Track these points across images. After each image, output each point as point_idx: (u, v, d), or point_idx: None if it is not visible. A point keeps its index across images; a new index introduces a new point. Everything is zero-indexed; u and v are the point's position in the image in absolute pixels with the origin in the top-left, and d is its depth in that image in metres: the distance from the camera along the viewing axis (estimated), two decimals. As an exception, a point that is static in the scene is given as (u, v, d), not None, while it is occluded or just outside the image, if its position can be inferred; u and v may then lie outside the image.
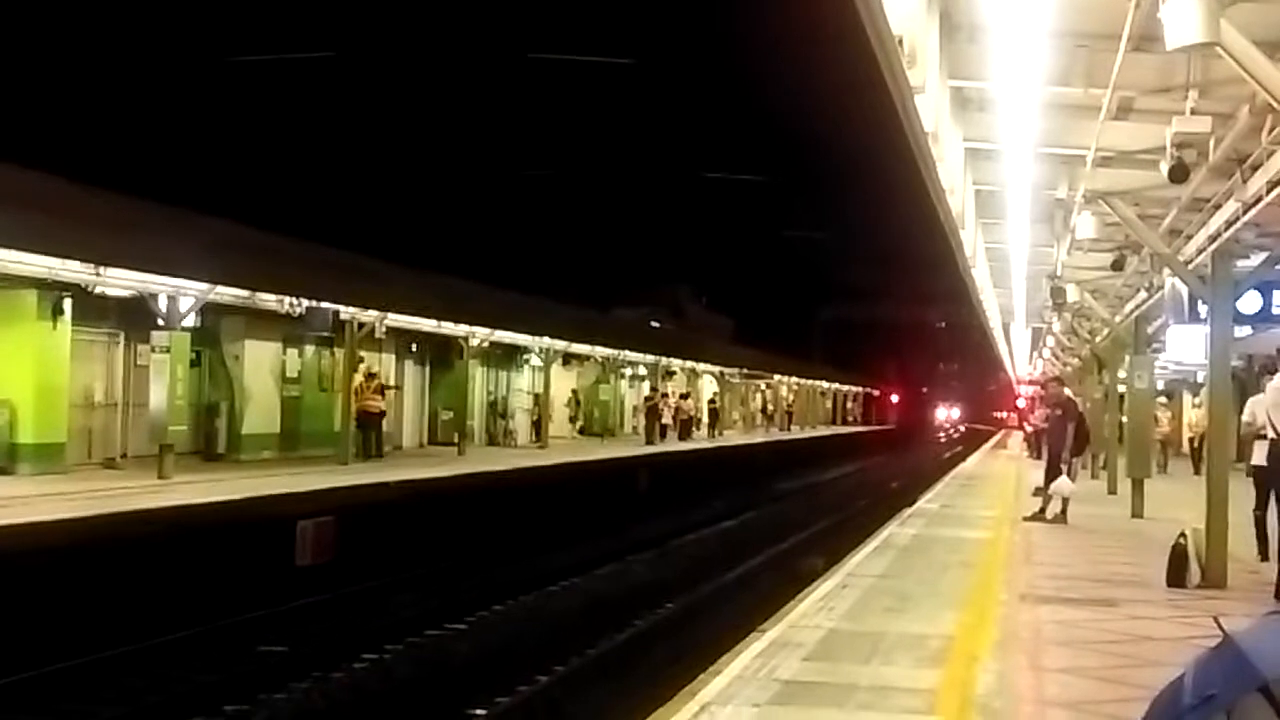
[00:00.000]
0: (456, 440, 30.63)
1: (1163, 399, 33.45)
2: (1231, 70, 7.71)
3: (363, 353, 26.95)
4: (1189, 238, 13.86)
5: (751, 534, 26.23)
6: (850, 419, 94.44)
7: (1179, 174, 9.96)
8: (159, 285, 19.20)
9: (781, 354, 64.58)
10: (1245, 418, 12.39)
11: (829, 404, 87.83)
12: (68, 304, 19.53)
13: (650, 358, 44.76)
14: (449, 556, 19.39)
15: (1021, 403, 60.23)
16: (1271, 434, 11.38)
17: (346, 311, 24.30)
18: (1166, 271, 15.42)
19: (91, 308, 20.27)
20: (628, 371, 47.04)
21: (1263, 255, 13.94)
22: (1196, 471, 25.59)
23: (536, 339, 34.88)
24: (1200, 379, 27.82)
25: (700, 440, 46.55)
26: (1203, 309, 14.16)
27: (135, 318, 20.80)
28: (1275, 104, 7.90)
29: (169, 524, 15.01)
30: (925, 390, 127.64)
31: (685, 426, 46.13)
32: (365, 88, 49.07)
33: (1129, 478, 19.37)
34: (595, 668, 13.34)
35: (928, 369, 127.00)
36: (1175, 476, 27.15)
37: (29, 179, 15.97)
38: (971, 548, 15.06)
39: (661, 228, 70.83)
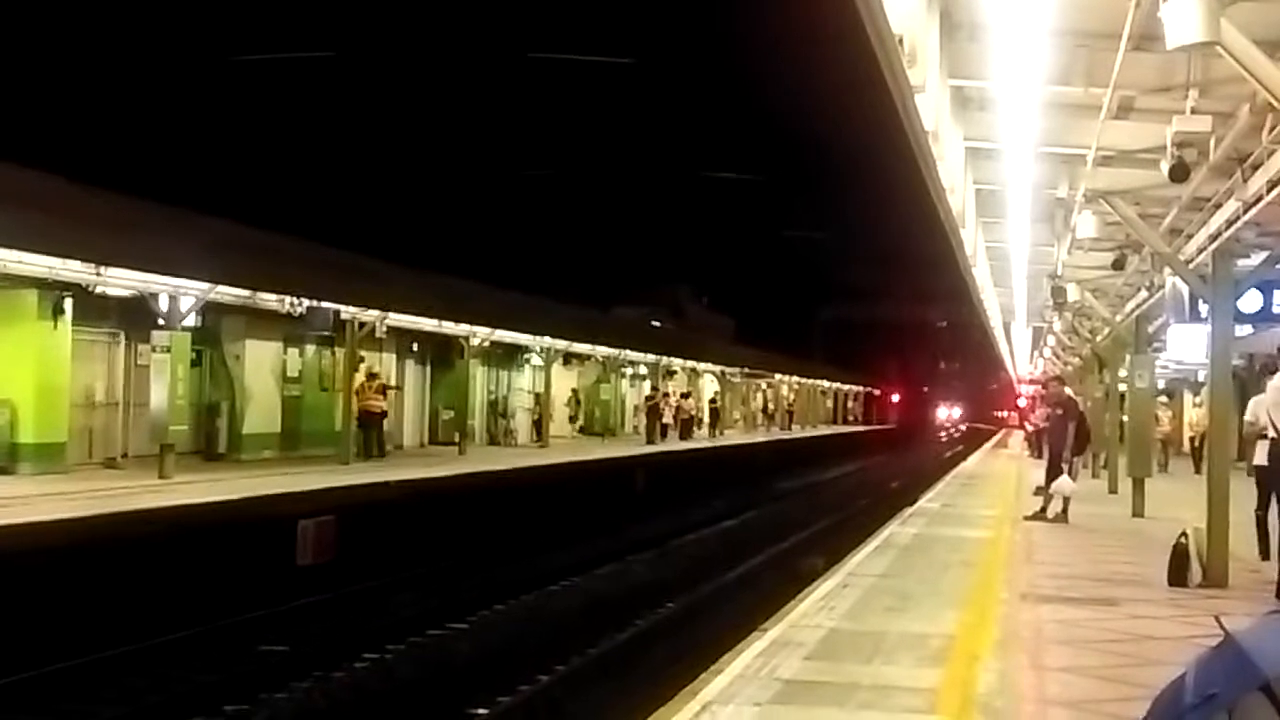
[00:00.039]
0: (457, 440, 30.64)
1: (1163, 398, 33.46)
2: (1232, 69, 7.71)
3: (363, 352, 26.94)
4: (1189, 237, 13.86)
5: (752, 533, 26.24)
6: (851, 418, 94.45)
7: (1179, 173, 9.96)
8: (159, 285, 19.20)
9: (782, 353, 64.59)
10: (1248, 417, 12.38)
11: (830, 403, 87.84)
12: (68, 304, 19.53)
13: (651, 357, 44.76)
14: (450, 556, 19.39)
15: (1022, 402, 60.28)
16: (1272, 433, 11.38)
17: (347, 311, 24.30)
18: (1167, 271, 15.42)
19: (92, 307, 20.27)
20: (628, 371, 47.05)
21: (1263, 254, 13.94)
22: (1197, 471, 25.59)
23: (537, 338, 34.88)
24: (1201, 378, 27.82)
25: (701, 440, 46.55)
26: (1203, 308, 14.16)
27: (136, 317, 20.80)
28: (1276, 103, 7.89)
29: (170, 524, 15.01)
30: (926, 390, 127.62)
31: (686, 426, 46.12)
32: (366, 87, 49.09)
33: (1130, 477, 19.37)
34: (596, 667, 13.34)
35: (928, 368, 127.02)
36: (1176, 476, 27.15)
37: (29, 178, 15.97)
38: (972, 547, 15.05)
39: (662, 227, 70.90)
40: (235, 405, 25.09)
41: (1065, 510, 17.68)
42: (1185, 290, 15.07)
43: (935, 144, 10.75)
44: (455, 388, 33.03)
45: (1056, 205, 14.46)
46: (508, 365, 38.30)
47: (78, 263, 17.73)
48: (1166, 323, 20.17)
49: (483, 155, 57.06)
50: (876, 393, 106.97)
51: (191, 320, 20.21)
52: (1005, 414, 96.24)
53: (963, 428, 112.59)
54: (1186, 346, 22.52)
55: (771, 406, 66.88)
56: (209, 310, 21.46)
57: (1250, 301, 15.16)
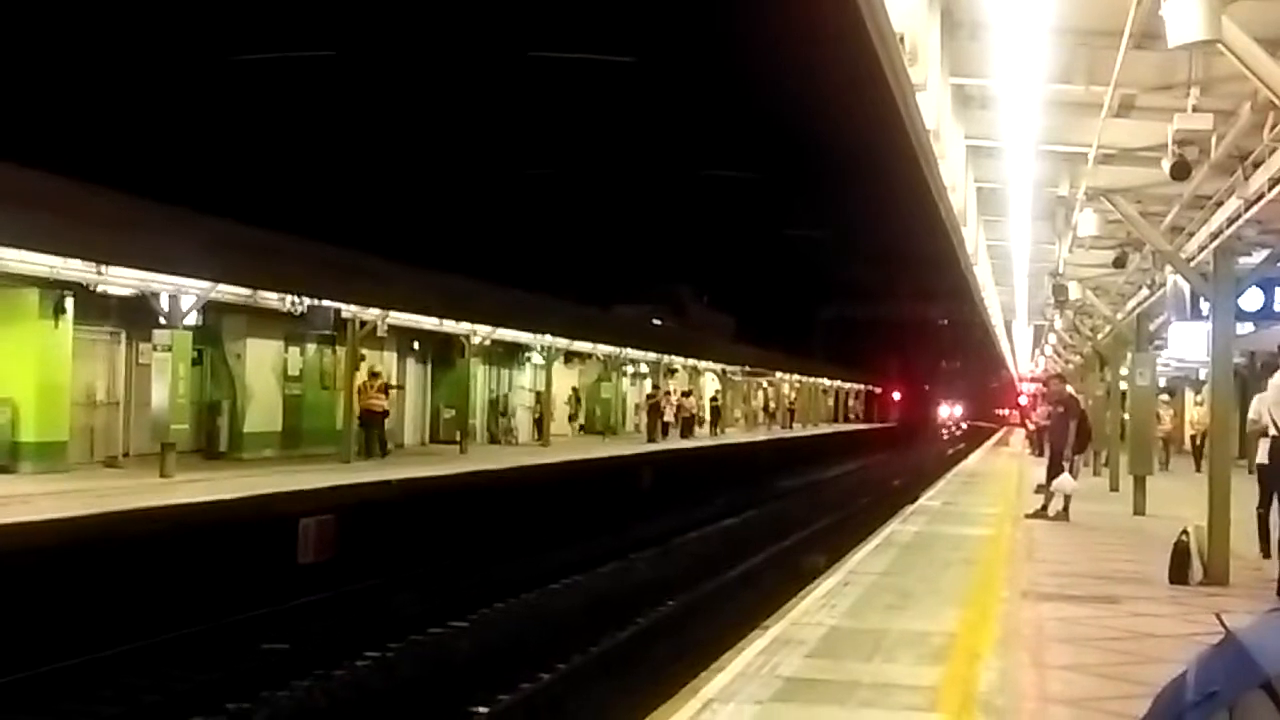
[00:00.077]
0: (458, 438, 30.64)
1: (1165, 396, 33.46)
2: (1233, 67, 7.71)
3: (364, 351, 26.95)
4: (1191, 235, 13.86)
5: (753, 532, 26.24)
6: (852, 416, 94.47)
7: (1181, 171, 9.96)
8: (161, 284, 19.20)
9: (783, 352, 64.60)
10: (1251, 415, 12.38)
11: (831, 402, 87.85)
12: (69, 303, 19.54)
13: (652, 355, 44.76)
14: (451, 554, 19.40)
15: (1023, 400, 60.27)
16: (1274, 431, 11.38)
17: (348, 310, 24.30)
18: (1168, 269, 15.42)
19: (93, 306, 20.28)
20: (630, 369, 47.06)
21: (1265, 252, 13.93)
22: (1198, 468, 25.60)
23: (538, 337, 34.88)
24: (1202, 376, 27.83)
25: (702, 438, 46.56)
26: (1204, 306, 14.16)
27: (137, 316, 20.81)
28: (1277, 101, 7.89)
29: (171, 522, 15.01)
30: (927, 388, 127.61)
31: (687, 424, 46.13)
32: (366, 87, 49.09)
33: (1131, 475, 19.37)
34: (598, 665, 13.34)
35: (929, 367, 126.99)
36: (1177, 473, 27.16)
37: (30, 178, 15.98)
38: (973, 545, 15.05)
39: (663, 226, 70.90)
40: (236, 404, 25.11)
41: (1066, 508, 17.68)
42: (1186, 288, 15.07)
43: (936, 142, 10.74)
44: (456, 386, 33.04)
45: (1058, 203, 14.46)
46: (509, 364, 38.31)
47: (79, 262, 17.74)
48: (1168, 321, 20.18)
49: (484, 154, 57.09)
50: (878, 391, 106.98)
51: (193, 319, 20.22)
52: (1006, 412, 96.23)
53: (964, 426, 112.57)
54: (1188, 344, 22.54)
55: (773, 405, 66.87)
56: (210, 309, 21.47)
57: (1251, 299, 15.17)
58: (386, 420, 27.39)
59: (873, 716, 6.74)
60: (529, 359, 38.68)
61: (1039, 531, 16.44)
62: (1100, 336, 26.67)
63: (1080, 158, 12.05)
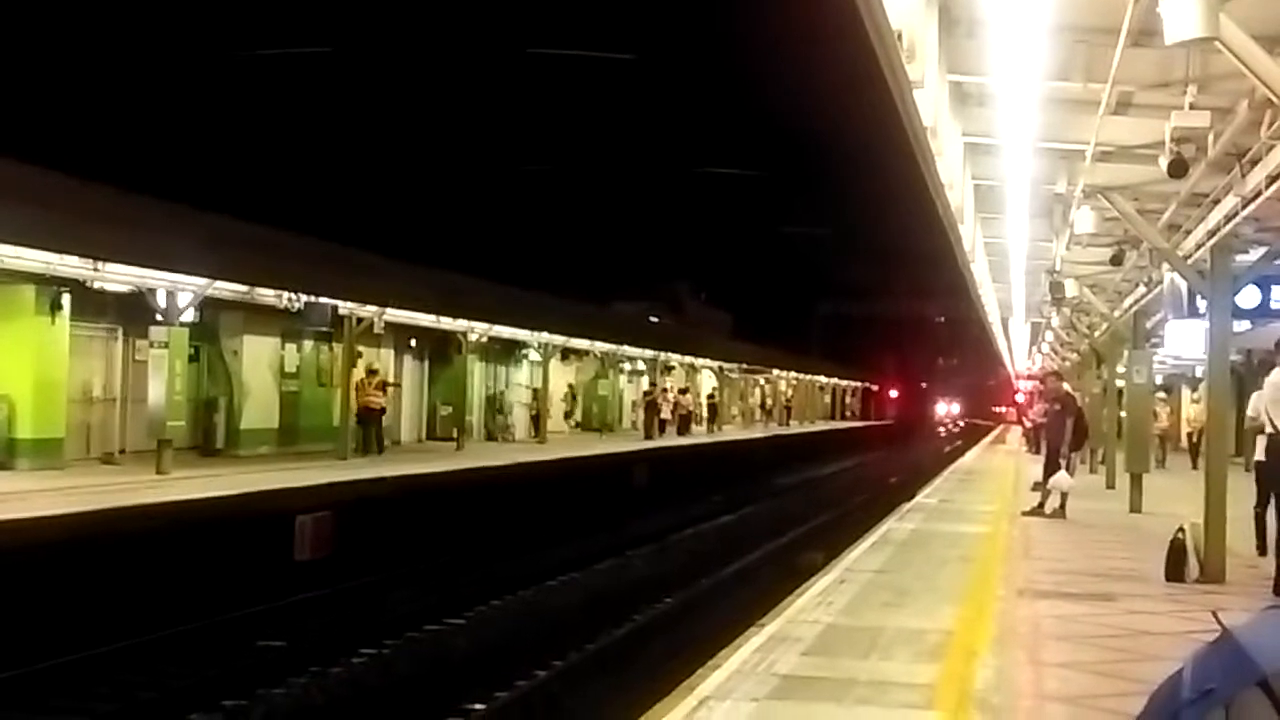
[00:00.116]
0: (455, 435, 30.63)
1: (1161, 394, 33.48)
2: (1230, 65, 7.71)
3: (361, 347, 26.94)
4: (1188, 233, 13.87)
5: (750, 529, 26.25)
6: (849, 414, 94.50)
7: (1178, 169, 9.96)
8: (157, 280, 19.18)
9: (780, 349, 64.61)
10: (1250, 412, 12.38)
11: (828, 399, 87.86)
12: (66, 299, 19.52)
13: (649, 353, 44.77)
14: (448, 551, 19.39)
15: (1020, 398, 60.29)
16: (1270, 429, 11.38)
17: (345, 306, 24.29)
18: (1165, 266, 15.42)
19: (90, 303, 20.26)
20: (626, 366, 47.06)
21: (1262, 250, 13.93)
22: (1195, 466, 25.63)
23: (535, 334, 34.87)
24: (1199, 374, 27.85)
25: (699, 435, 46.56)
26: (1201, 304, 14.16)
27: (134, 313, 20.78)
28: (1274, 99, 7.89)
29: (168, 519, 15.00)
30: (924, 385, 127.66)
31: (684, 421, 46.13)
32: (364, 83, 49.06)
33: (1127, 472, 19.39)
34: (594, 662, 13.34)
35: (926, 364, 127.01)
36: (1174, 471, 27.17)
37: (28, 174, 15.96)
38: (970, 543, 15.06)
39: (661, 223, 70.88)
40: (233, 401, 25.10)
41: (1063, 506, 17.68)
42: (1183, 286, 15.07)
43: (934, 139, 10.75)
44: (453, 383, 33.03)
45: (1055, 200, 14.45)
46: (506, 361, 38.30)
47: (75, 258, 17.71)
48: (1164, 318, 20.18)
49: (483, 150, 57.07)
50: (874, 388, 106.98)
51: (189, 316, 20.19)
52: (1003, 409, 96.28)
53: (961, 423, 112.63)
54: (1184, 342, 22.57)
55: (769, 402, 66.89)
56: (207, 306, 21.45)
57: (1248, 297, 15.15)
58: (384, 417, 27.39)
59: (869, 714, 6.73)
60: (526, 356, 38.67)
61: (1035, 529, 16.45)
62: (1097, 334, 26.68)
63: (1078, 155, 12.05)
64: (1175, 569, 11.61)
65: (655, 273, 64.94)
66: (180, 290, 19.50)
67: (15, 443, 19.04)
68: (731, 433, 51.24)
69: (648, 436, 40.43)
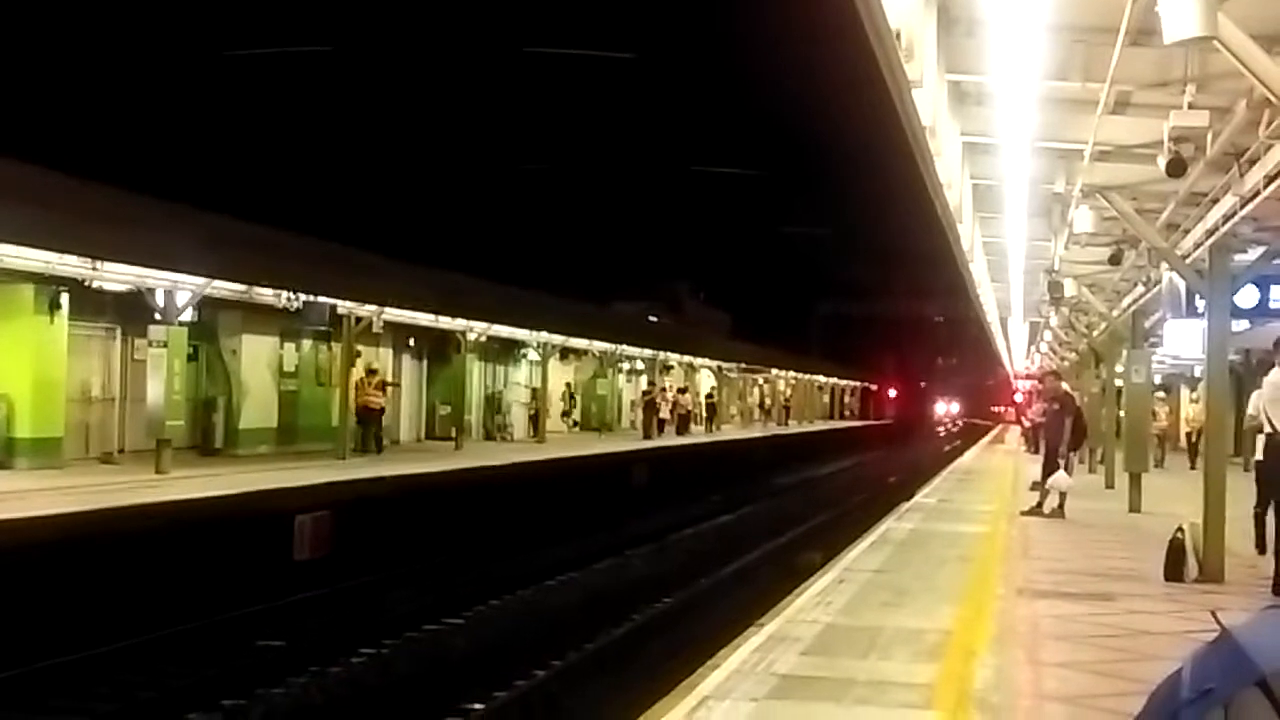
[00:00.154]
0: (454, 435, 30.63)
1: (1160, 393, 33.48)
2: (1229, 64, 7.71)
3: (360, 347, 26.93)
4: (1186, 232, 13.86)
5: (749, 529, 26.25)
6: (848, 413, 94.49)
7: (1176, 168, 9.95)
8: (156, 280, 19.17)
9: (779, 349, 64.61)
10: (1250, 411, 12.38)
11: (826, 399, 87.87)
12: (65, 298, 19.51)
13: (648, 352, 44.76)
14: (447, 551, 19.39)
15: (1019, 397, 60.31)
16: (1269, 429, 11.39)
17: (344, 305, 24.28)
18: (1164, 266, 15.42)
19: (89, 302, 20.25)
20: (625, 366, 47.04)
21: (1260, 250, 13.94)
22: (1193, 466, 25.63)
23: (534, 334, 34.87)
24: (1198, 373, 27.85)
25: (698, 435, 46.55)
26: (1200, 303, 14.16)
27: (132, 312, 20.77)
28: (1273, 98, 7.90)
29: (167, 519, 15.00)
30: (923, 385, 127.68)
31: (683, 421, 46.12)
32: (363, 82, 49.06)
33: (1126, 472, 19.39)
34: (593, 662, 13.34)
35: (925, 364, 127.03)
36: (1172, 471, 27.18)
37: (27, 173, 15.95)
38: (969, 542, 15.06)
39: (660, 223, 70.91)
40: (232, 400, 25.09)
41: (1062, 505, 17.69)
42: (1182, 285, 15.07)
43: (932, 139, 10.75)
44: (452, 383, 33.02)
45: (1053, 200, 14.45)
46: (504, 360, 38.29)
47: (74, 257, 17.70)
48: (1163, 318, 20.19)
49: (483, 149, 57.07)
50: (873, 388, 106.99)
51: (188, 315, 20.18)
52: (1002, 409, 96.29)
53: (959, 423, 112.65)
54: (1183, 342, 22.59)
55: (768, 402, 66.90)
56: (206, 305, 21.44)
57: (1247, 297, 15.17)
58: (383, 417, 27.38)
59: (868, 714, 6.73)
60: (525, 355, 38.66)
61: (1034, 529, 16.45)
62: (1096, 333, 26.68)
63: (1076, 154, 12.05)
64: (1174, 569, 11.62)
65: (654, 272, 64.97)
66: (179, 290, 19.49)
67: (14, 442, 19.03)
68: (730, 432, 51.23)
69: (646, 436, 40.42)
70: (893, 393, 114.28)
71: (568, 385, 43.07)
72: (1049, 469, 18.10)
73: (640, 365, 46.58)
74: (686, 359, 50.68)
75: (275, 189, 39.38)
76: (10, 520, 13.04)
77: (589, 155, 61.94)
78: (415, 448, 30.76)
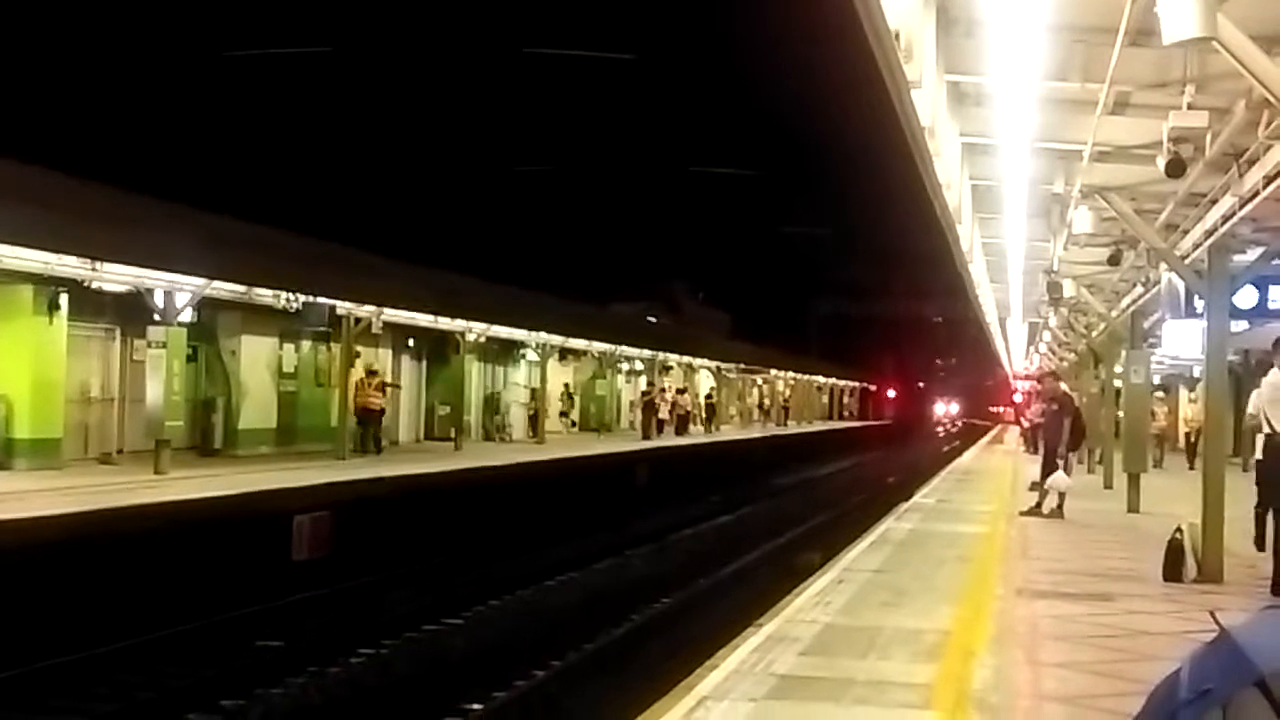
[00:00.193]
0: (453, 435, 30.63)
1: (1159, 394, 33.48)
2: (1228, 65, 7.71)
3: (360, 348, 26.93)
4: (1185, 233, 13.87)
5: (748, 529, 26.26)
6: (847, 414, 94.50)
7: (1175, 169, 9.96)
8: (155, 280, 19.17)
9: (778, 349, 64.61)
10: (1250, 409, 12.38)
11: (825, 399, 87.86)
12: (64, 299, 19.50)
13: (647, 353, 44.77)
14: (446, 552, 19.39)
15: (1018, 398, 60.31)
16: (1267, 429, 11.39)
17: (343, 306, 24.28)
18: (1163, 266, 15.42)
19: (88, 303, 20.25)
20: (624, 366, 47.03)
21: (1259, 250, 13.95)
22: (1192, 466, 25.64)
23: (533, 334, 34.87)
24: (1197, 374, 27.86)
25: (697, 435, 46.56)
26: (1199, 304, 14.16)
27: (131, 313, 20.77)
28: (1272, 99, 7.90)
29: (166, 519, 15.00)
30: (922, 385, 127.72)
31: (682, 422, 46.12)
32: (363, 83, 49.06)
33: (1125, 472, 19.39)
34: (593, 662, 13.34)
35: (924, 364, 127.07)
36: (1171, 471, 27.18)
37: (26, 174, 15.94)
38: (968, 542, 15.07)
39: (659, 223, 70.91)
40: (231, 401, 25.09)
41: (1060, 505, 17.70)
42: (1181, 286, 15.07)
43: (931, 139, 10.75)
44: (451, 383, 33.02)
45: (1052, 201, 14.46)
46: (504, 361, 38.29)
47: (73, 258, 17.70)
48: (1162, 318, 20.19)
49: (482, 150, 57.07)
50: (872, 388, 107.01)
51: (187, 316, 20.18)
52: (1001, 410, 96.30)
53: (959, 423, 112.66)
54: (1182, 342, 22.61)
55: (767, 402, 66.89)
56: (205, 306, 21.44)
57: (1246, 297, 15.18)
58: (383, 417, 27.39)
59: (867, 714, 6.74)
60: (524, 356, 38.66)
61: (1033, 529, 16.46)
62: (1095, 334, 26.68)
63: (1075, 155, 12.05)
64: (1173, 569, 11.62)
65: (653, 273, 64.98)
66: (178, 290, 19.49)
67: (13, 443, 19.02)
68: (729, 433, 51.23)
69: (645, 436, 40.42)
70: (892, 393, 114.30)
71: (565, 386, 43.08)
72: (1048, 469, 18.11)
73: (639, 366, 46.57)
74: (685, 359, 50.68)
75: (275, 189, 39.39)
76: (9, 521, 13.04)
77: (588, 155, 61.99)
78: (414, 448, 30.75)
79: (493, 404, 37.37)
